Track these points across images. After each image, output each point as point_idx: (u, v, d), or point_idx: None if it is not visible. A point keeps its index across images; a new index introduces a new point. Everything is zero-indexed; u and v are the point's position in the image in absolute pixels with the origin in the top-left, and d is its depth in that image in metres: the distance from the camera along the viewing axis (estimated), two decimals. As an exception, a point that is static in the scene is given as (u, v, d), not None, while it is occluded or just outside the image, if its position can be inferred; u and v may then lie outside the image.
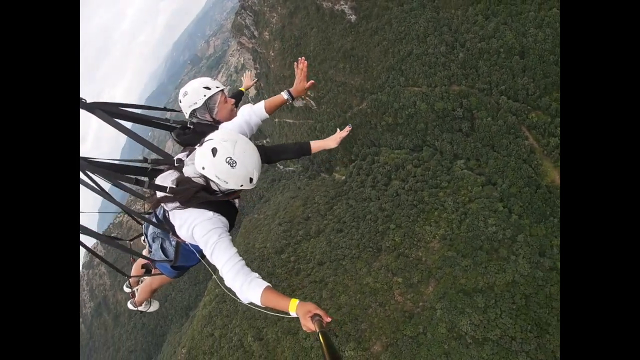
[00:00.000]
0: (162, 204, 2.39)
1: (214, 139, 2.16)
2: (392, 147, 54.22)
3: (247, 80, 4.17)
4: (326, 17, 52.77)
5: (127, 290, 3.66)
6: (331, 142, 2.86)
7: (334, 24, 52.51)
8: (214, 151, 2.11)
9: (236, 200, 2.54)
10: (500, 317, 34.21)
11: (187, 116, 2.94)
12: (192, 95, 2.84)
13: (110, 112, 2.42)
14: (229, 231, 2.30)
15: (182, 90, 2.91)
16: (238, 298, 2.12)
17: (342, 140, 2.88)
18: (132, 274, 3.35)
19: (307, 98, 58.50)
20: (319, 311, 1.85)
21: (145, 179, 2.39)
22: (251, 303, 2.08)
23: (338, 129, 2.95)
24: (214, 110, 2.90)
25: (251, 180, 2.21)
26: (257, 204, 63.85)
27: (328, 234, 50.99)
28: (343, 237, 49.39)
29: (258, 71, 62.99)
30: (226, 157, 2.10)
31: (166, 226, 2.52)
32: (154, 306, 3.79)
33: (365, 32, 50.78)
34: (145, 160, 2.60)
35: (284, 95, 2.71)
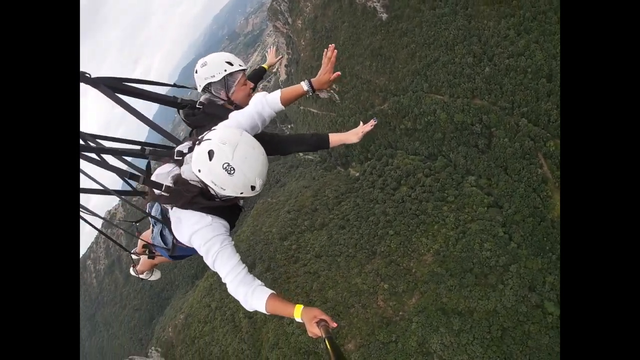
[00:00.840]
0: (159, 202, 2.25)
1: (212, 139, 1.94)
2: (407, 151, 53.65)
3: (271, 57, 3.85)
4: (358, 13, 51.89)
5: (134, 257, 3.58)
6: (352, 136, 2.55)
7: (365, 20, 51.57)
8: (211, 154, 1.90)
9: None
10: (472, 343, 34.44)
11: (199, 89, 2.72)
12: (212, 67, 2.62)
13: (114, 87, 2.32)
14: (230, 231, 2.19)
15: (200, 61, 2.69)
16: (242, 306, 2.06)
17: (364, 135, 2.57)
18: (135, 251, 3.31)
19: (331, 91, 58.73)
20: (324, 316, 1.81)
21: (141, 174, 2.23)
22: (256, 311, 2.03)
23: (362, 122, 2.61)
24: (231, 88, 2.68)
25: (253, 188, 1.99)
26: (272, 187, 66.46)
27: (331, 228, 52.47)
28: (344, 235, 50.69)
29: (290, 56, 63.74)
30: (223, 163, 1.88)
31: (163, 221, 2.37)
32: (156, 275, 3.77)
33: (394, 32, 49.52)
34: (142, 150, 2.40)
35: (304, 86, 2.32)
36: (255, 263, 50.34)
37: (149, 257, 2.94)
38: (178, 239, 2.22)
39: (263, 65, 3.71)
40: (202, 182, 2.02)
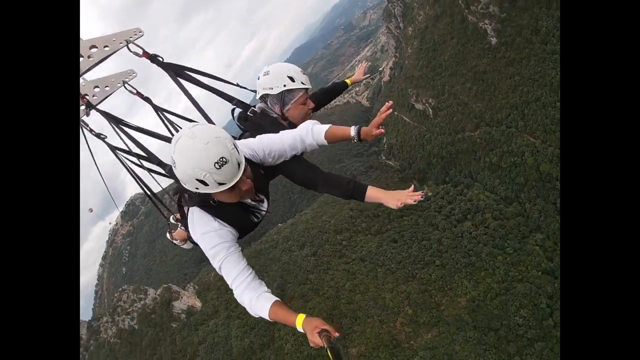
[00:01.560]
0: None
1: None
2: (485, 187, 50.46)
3: (359, 73, 3.50)
4: (468, 31, 48.82)
5: (172, 222, 3.54)
6: (392, 201, 2.09)
7: (474, 40, 48.38)
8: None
9: (263, 204, 2.21)
10: (462, 400, 33.98)
11: (257, 96, 2.62)
12: (273, 78, 2.47)
13: (179, 74, 2.52)
14: (240, 238, 2.11)
15: (264, 68, 2.57)
16: (248, 312, 2.00)
17: (403, 205, 2.11)
18: (170, 219, 3.41)
19: (426, 104, 57.90)
20: (326, 326, 1.73)
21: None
22: (260, 317, 1.97)
23: (413, 186, 2.16)
24: (287, 105, 2.51)
25: (204, 183, 1.76)
26: (346, 183, 69.68)
27: (384, 238, 54.12)
28: (393, 248, 51.97)
29: (396, 60, 63.63)
30: (171, 157, 1.82)
31: (180, 213, 2.37)
32: (188, 245, 3.74)
33: (501, 60, 45.68)
34: None
35: (352, 132, 2.15)
36: (305, 245, 55.86)
37: (181, 226, 3.09)
38: (190, 233, 2.21)
39: (346, 80, 3.48)
40: None
